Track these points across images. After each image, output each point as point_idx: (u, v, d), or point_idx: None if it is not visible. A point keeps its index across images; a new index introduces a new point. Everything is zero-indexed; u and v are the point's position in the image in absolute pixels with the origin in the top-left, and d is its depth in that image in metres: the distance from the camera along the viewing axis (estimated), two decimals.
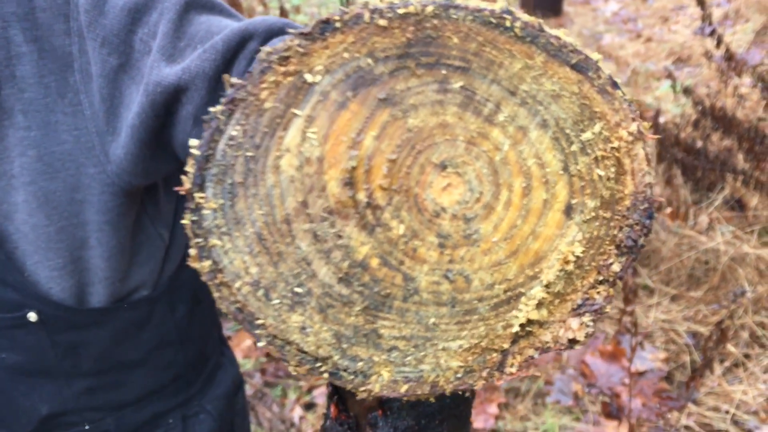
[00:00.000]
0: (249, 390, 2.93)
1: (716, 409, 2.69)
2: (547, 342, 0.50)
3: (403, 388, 0.51)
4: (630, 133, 0.49)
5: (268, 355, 3.11)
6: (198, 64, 0.85)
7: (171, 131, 0.92)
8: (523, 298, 0.50)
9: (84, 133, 0.97)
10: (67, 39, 0.95)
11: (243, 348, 3.19)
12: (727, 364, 2.93)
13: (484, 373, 0.51)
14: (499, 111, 0.49)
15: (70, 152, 0.97)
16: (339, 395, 0.76)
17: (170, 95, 0.87)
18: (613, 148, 0.49)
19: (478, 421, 2.71)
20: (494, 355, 0.51)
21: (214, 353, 1.31)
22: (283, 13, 3.83)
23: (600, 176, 0.49)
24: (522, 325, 0.50)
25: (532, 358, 0.50)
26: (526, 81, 0.48)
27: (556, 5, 5.43)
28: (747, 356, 2.92)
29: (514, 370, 0.50)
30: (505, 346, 0.51)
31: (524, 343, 0.51)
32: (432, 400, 0.59)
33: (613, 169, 0.49)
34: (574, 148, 0.49)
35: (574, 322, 0.50)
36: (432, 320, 0.51)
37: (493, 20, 0.48)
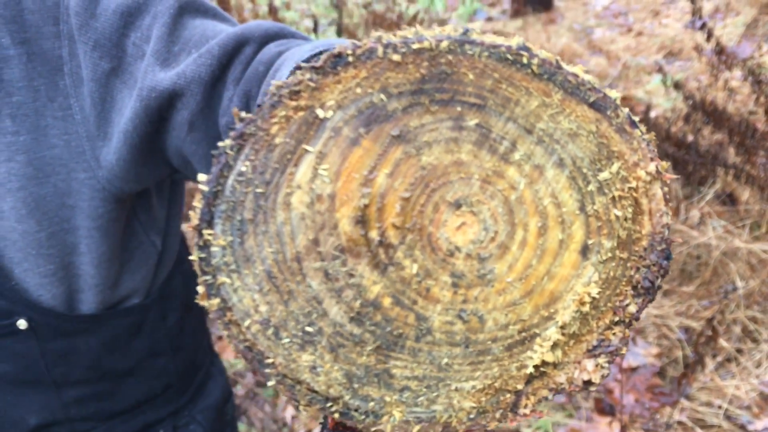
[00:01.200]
0: (241, 390, 2.91)
1: (709, 404, 2.70)
2: (561, 383, 0.50)
3: (415, 429, 0.50)
4: (648, 173, 0.48)
5: None
6: (194, 69, 0.84)
7: (164, 137, 0.91)
8: (537, 339, 0.49)
9: (74, 138, 0.95)
10: (57, 42, 0.93)
11: None
12: (719, 359, 2.94)
13: (498, 414, 0.50)
14: (515, 149, 0.48)
15: (60, 157, 0.96)
16: None
17: (165, 100, 0.86)
18: (630, 188, 0.48)
19: None
20: (508, 395, 0.50)
21: (205, 363, 1.30)
22: (272, 9, 3.80)
23: (617, 216, 0.48)
24: (536, 366, 0.49)
25: (546, 398, 0.50)
26: (542, 119, 0.47)
27: (546, 0, 5.43)
28: (739, 351, 2.94)
29: (527, 411, 0.49)
30: (519, 386, 0.50)
31: (538, 384, 0.50)
32: None
33: (630, 209, 0.48)
34: (591, 187, 0.48)
35: (589, 364, 0.49)
36: (445, 360, 0.50)
37: (510, 57, 0.46)
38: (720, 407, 2.66)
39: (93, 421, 1.13)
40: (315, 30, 4.15)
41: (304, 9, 6.01)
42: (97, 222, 0.99)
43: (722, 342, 2.99)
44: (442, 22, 4.29)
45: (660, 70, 3.88)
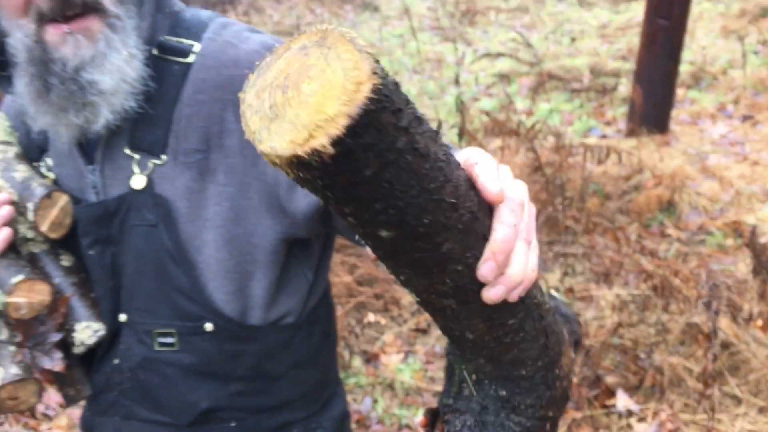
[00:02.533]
0: None
1: None
2: None
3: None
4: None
5: (357, 422, 3.12)
6: None
7: None
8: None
9: (266, 195, 1.13)
10: None
11: None
12: None
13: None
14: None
15: (254, 207, 1.14)
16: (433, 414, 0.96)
17: None
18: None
19: None
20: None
21: (332, 382, 1.46)
22: None
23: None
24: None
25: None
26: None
27: (662, 123, 5.21)
28: None
29: None
30: None
31: None
32: None
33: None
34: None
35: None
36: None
37: (346, 37, 0.90)
38: None
39: (246, 412, 1.30)
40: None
41: (429, 115, 5.80)
42: (271, 257, 1.18)
43: None
44: (557, 135, 4.49)
45: None
